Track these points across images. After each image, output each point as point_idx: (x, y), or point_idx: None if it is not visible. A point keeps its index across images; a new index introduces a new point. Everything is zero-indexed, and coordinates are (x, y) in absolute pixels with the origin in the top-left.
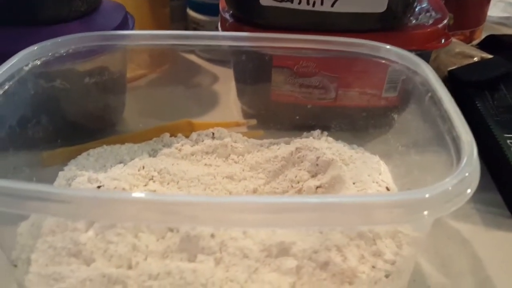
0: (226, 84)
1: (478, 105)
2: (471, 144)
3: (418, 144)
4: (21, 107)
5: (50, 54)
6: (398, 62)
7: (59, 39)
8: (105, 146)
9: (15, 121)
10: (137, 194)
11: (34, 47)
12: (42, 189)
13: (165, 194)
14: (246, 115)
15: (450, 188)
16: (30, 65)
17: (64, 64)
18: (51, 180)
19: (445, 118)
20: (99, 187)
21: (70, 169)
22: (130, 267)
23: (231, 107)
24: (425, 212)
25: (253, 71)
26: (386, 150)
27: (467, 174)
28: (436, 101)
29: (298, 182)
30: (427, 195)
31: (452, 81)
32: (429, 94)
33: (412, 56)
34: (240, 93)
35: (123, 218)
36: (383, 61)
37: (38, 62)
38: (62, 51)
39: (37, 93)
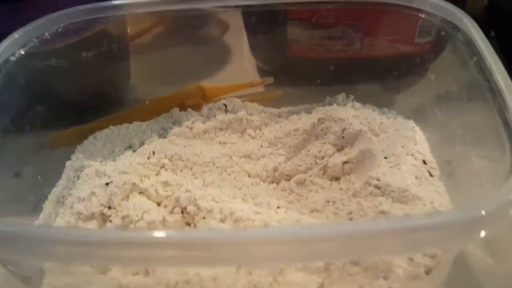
0: (238, 35)
1: None
2: None
3: (460, 111)
4: (15, 99)
5: (36, 37)
6: (434, 13)
7: (43, 20)
8: (112, 127)
9: (11, 114)
10: (146, 235)
11: (17, 34)
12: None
13: (179, 232)
14: (262, 73)
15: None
16: (16, 55)
17: (56, 44)
18: (57, 169)
19: (496, 93)
20: (107, 184)
21: (78, 157)
22: (147, 274)
23: (245, 64)
24: (482, 233)
25: (266, 23)
26: (420, 109)
27: None
28: (483, 69)
29: (323, 158)
30: (483, 212)
31: (493, 12)
32: (475, 59)
33: (451, 8)
34: (254, 47)
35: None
36: (415, 12)
37: (23, 51)
38: (50, 32)
39: (31, 81)
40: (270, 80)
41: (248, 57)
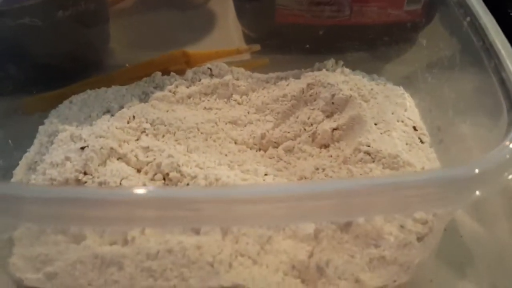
0: (224, 1)
1: (510, 13)
2: None
3: (453, 76)
4: None
5: None
6: None
7: None
8: (89, 91)
9: None
10: (125, 191)
11: None
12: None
13: (158, 187)
14: (248, 40)
15: (508, 157)
16: None
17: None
18: (29, 135)
19: (491, 52)
20: (82, 148)
21: (52, 122)
22: (125, 243)
23: (231, 31)
24: (477, 192)
25: None
26: (410, 77)
27: None
28: (477, 29)
29: (312, 125)
30: (476, 171)
31: None
32: (468, 19)
33: None
34: (240, 13)
35: (110, 222)
36: None
37: None
38: None
39: (4, 31)
40: (257, 47)
41: (234, 24)
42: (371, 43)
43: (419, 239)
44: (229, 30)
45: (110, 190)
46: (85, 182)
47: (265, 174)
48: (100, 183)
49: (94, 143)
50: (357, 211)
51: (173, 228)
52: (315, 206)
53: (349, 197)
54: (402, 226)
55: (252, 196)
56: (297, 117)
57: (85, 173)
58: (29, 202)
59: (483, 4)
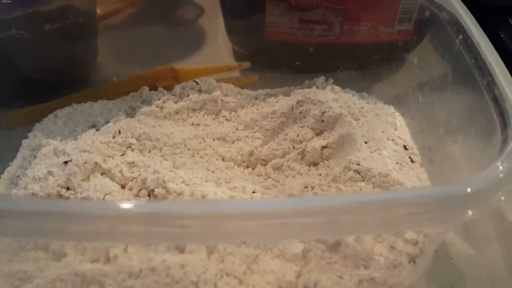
0: (214, 18)
1: (502, 35)
2: None
3: (445, 95)
4: None
5: None
6: None
7: None
8: (74, 105)
9: None
10: (109, 205)
11: None
12: None
13: (142, 202)
14: (238, 57)
15: (501, 176)
16: None
17: (17, 10)
18: (13, 149)
19: (484, 70)
20: (66, 162)
21: (35, 135)
22: (107, 260)
23: (220, 48)
24: (469, 212)
25: (243, 4)
26: (401, 96)
27: None
28: (470, 47)
29: (301, 142)
30: (469, 190)
31: (470, 6)
32: (461, 37)
33: None
34: (230, 31)
35: (94, 238)
36: None
37: None
38: None
39: None
40: (247, 64)
41: (224, 40)
42: (361, 62)
43: (410, 260)
44: (219, 47)
45: (93, 204)
46: (68, 197)
47: (253, 192)
48: (83, 199)
49: (77, 157)
50: (347, 229)
51: (158, 244)
52: (304, 223)
53: (338, 215)
54: (392, 247)
55: (239, 212)
56: (286, 135)
57: (67, 188)
58: (8, 215)
59: (475, 21)
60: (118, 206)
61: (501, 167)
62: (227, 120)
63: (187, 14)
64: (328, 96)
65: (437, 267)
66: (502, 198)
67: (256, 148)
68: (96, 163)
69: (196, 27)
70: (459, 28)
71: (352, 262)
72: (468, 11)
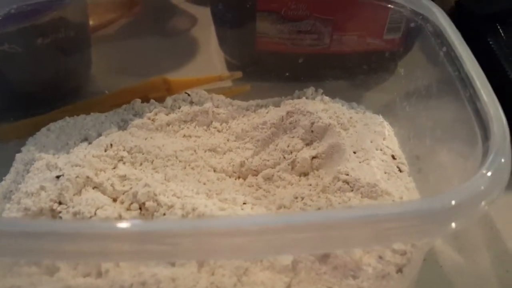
0: (206, 28)
1: (490, 42)
2: (501, 123)
3: (431, 105)
4: None
5: None
6: (403, 4)
7: None
8: (67, 119)
9: None
10: (101, 224)
11: None
12: None
13: (133, 221)
14: (230, 67)
15: (483, 188)
16: None
17: (8, 25)
18: (6, 163)
19: (466, 83)
20: (58, 176)
21: (29, 149)
22: (99, 275)
23: (213, 58)
24: (453, 225)
25: (234, 15)
26: (389, 105)
27: (501, 162)
28: (453, 59)
29: (291, 152)
30: (453, 202)
31: (459, 13)
32: (444, 49)
33: None
34: (222, 41)
35: (85, 257)
36: (385, 4)
37: None
38: (1, 14)
39: None
40: (239, 74)
41: (216, 51)
42: (350, 71)
43: (398, 270)
44: (211, 57)
45: (85, 224)
46: (60, 212)
47: (244, 203)
48: (75, 213)
49: (69, 171)
50: (335, 244)
51: (149, 262)
52: (293, 238)
53: (327, 230)
54: (380, 257)
55: (229, 229)
56: (277, 145)
57: (60, 203)
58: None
59: (459, 34)
60: (109, 225)
61: (483, 178)
62: (218, 131)
63: (180, 24)
64: (318, 107)
65: (426, 275)
66: (486, 208)
67: (247, 159)
68: (88, 177)
69: (188, 37)
70: (443, 40)
71: (341, 272)
72: (452, 24)
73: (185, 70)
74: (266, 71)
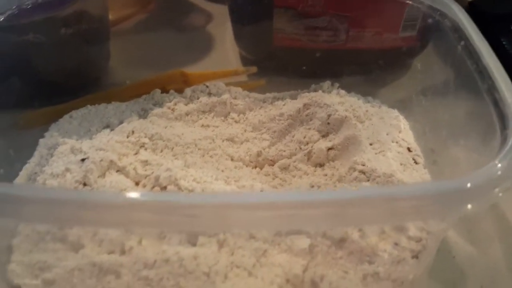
0: (221, 24)
1: (504, 42)
2: None
3: (447, 100)
4: None
5: (15, 6)
6: (420, 0)
7: None
8: (89, 107)
9: None
10: (127, 195)
11: None
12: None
13: (158, 193)
14: (246, 62)
15: (499, 173)
16: None
17: (34, 15)
18: (31, 148)
19: (484, 75)
20: (83, 160)
21: (52, 135)
22: (123, 252)
23: (228, 53)
24: (469, 206)
25: (251, 11)
26: (405, 100)
27: None
28: (471, 52)
29: (307, 144)
30: (468, 185)
31: (473, 13)
32: (463, 43)
33: None
34: (238, 37)
35: (109, 224)
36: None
37: (2, 17)
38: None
39: (7, 50)
40: (254, 69)
41: (231, 46)
42: (366, 68)
43: (414, 256)
44: (226, 52)
45: (110, 194)
46: None
47: (261, 190)
48: None
49: (94, 155)
50: (350, 221)
51: (170, 237)
52: (309, 214)
53: (343, 207)
54: (396, 244)
55: (248, 203)
56: (293, 136)
57: (84, 184)
58: (31, 202)
59: (476, 28)
60: (133, 196)
61: (499, 165)
62: (236, 122)
63: (196, 21)
64: (334, 100)
65: (439, 265)
66: (500, 194)
67: (264, 149)
68: (111, 161)
69: (204, 33)
70: (461, 34)
71: (357, 257)
72: (470, 18)
73: (201, 65)
74: (282, 66)
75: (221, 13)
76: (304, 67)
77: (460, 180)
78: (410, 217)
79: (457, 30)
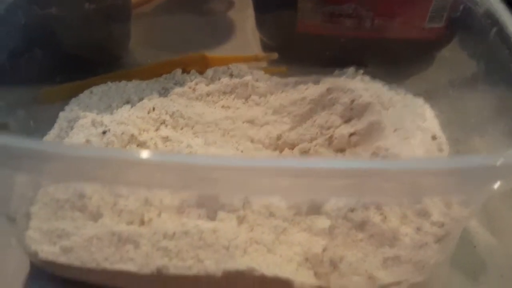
0: (242, 11)
1: None
2: None
3: (476, 90)
4: (12, 37)
5: None
6: None
7: None
8: (109, 83)
9: (6, 53)
10: (149, 154)
11: None
12: (37, 147)
13: (181, 154)
14: (266, 48)
15: None
16: None
17: None
18: (50, 121)
19: None
20: (104, 132)
21: (72, 109)
22: (142, 223)
23: (249, 39)
24: (497, 184)
25: None
26: (430, 91)
27: None
28: (505, 38)
29: (329, 128)
30: (499, 162)
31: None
32: (495, 29)
33: None
34: (260, 23)
35: (131, 182)
36: None
37: None
38: None
39: (30, 22)
40: (275, 55)
41: (252, 32)
42: (391, 57)
43: (436, 241)
44: (247, 38)
45: (133, 152)
46: None
47: None
48: None
49: (115, 128)
50: (372, 192)
51: (189, 212)
52: (328, 182)
53: (365, 177)
54: (418, 229)
55: (269, 167)
56: (315, 121)
57: None
58: (54, 159)
59: (510, 14)
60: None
61: None
62: (257, 104)
63: (217, 7)
64: (358, 85)
65: (460, 254)
66: None
67: (284, 133)
68: (132, 135)
69: (225, 19)
70: (494, 20)
71: (378, 241)
72: (503, 3)
73: (221, 50)
74: (304, 54)
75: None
76: (327, 55)
77: (489, 157)
78: (433, 191)
79: (489, 16)
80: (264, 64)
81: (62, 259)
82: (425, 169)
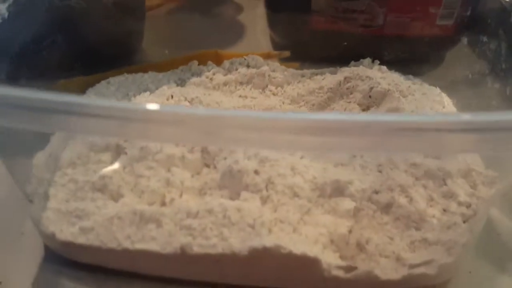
0: (251, 14)
1: None
2: None
3: (487, 85)
4: (33, 23)
5: None
6: None
7: None
8: (126, 74)
9: (28, 38)
10: (176, 108)
11: None
12: (67, 100)
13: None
14: (277, 48)
15: None
16: None
17: None
18: None
19: None
20: None
21: (90, 97)
22: (163, 204)
23: (259, 38)
24: None
25: None
26: (442, 87)
27: None
28: None
29: None
30: None
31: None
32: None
33: None
34: (273, 22)
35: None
36: None
37: None
38: None
39: (51, 10)
40: (286, 53)
41: (262, 31)
42: (404, 54)
43: (465, 221)
44: (257, 37)
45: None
46: (125, 147)
47: (301, 158)
48: (141, 148)
49: None
50: (396, 147)
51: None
52: (343, 138)
53: (388, 132)
54: (445, 210)
55: (290, 123)
56: (332, 110)
57: (125, 141)
58: (78, 113)
59: None
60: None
61: None
62: (274, 94)
63: (227, 11)
64: (376, 74)
65: (485, 242)
66: None
67: None
68: None
69: (235, 21)
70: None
71: (404, 223)
72: None
73: (233, 49)
74: (315, 51)
75: (251, 5)
76: (338, 52)
77: None
78: (457, 147)
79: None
80: (275, 62)
81: (81, 239)
82: (450, 122)
